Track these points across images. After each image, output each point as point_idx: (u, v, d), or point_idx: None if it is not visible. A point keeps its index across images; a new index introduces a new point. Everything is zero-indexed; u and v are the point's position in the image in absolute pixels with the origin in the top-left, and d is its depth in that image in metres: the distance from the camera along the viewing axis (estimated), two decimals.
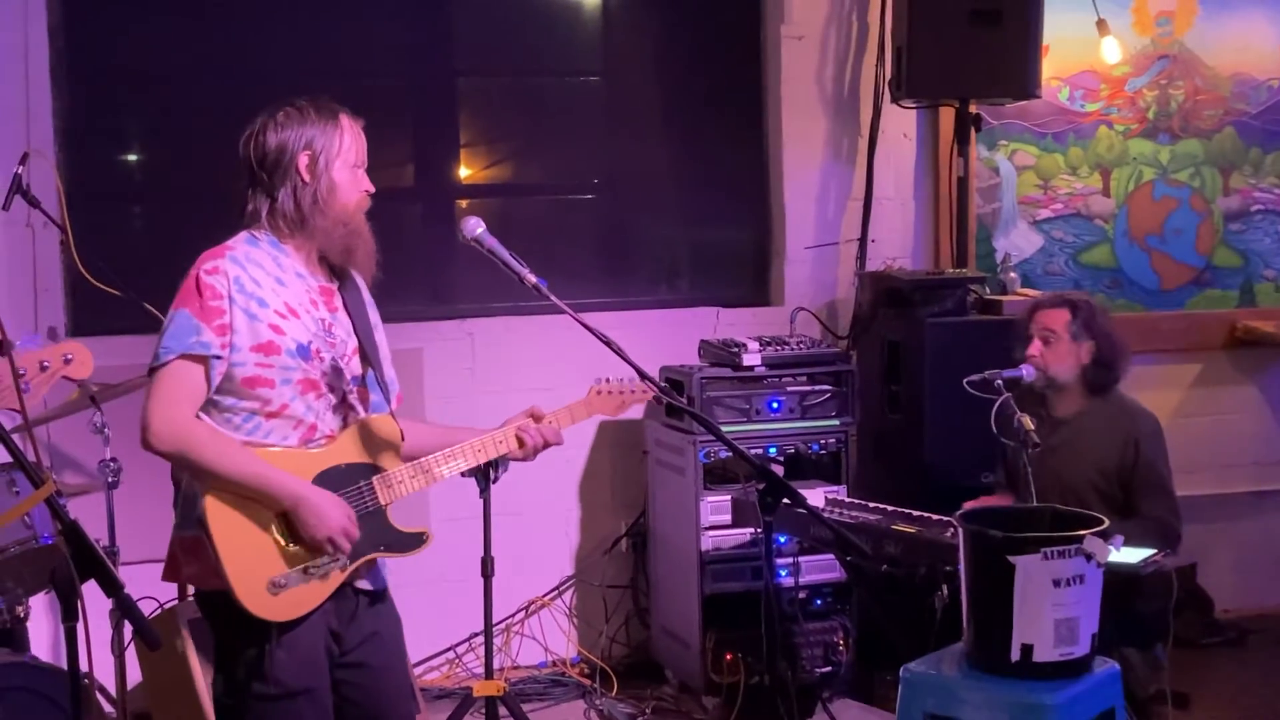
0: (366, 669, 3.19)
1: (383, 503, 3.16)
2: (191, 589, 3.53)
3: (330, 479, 3.09)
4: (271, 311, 3.03)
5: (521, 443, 3.32)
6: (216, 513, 2.97)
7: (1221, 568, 6.06)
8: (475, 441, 3.30)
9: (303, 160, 3.10)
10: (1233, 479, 6.19)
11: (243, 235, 3.15)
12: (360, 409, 3.19)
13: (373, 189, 3.21)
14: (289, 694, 3.01)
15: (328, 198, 3.11)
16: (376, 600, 3.24)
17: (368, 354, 3.23)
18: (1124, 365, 4.57)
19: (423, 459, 3.24)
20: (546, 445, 3.35)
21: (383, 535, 3.17)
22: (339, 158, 3.12)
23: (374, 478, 3.15)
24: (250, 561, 2.98)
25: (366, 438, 3.17)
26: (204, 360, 2.97)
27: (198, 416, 3.00)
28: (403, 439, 3.24)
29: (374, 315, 3.32)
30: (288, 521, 3.03)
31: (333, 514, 3.02)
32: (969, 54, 5.42)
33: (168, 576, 3.18)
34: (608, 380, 3.53)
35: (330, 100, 3.19)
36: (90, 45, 5.37)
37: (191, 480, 3.04)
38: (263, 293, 3.04)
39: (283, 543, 3.03)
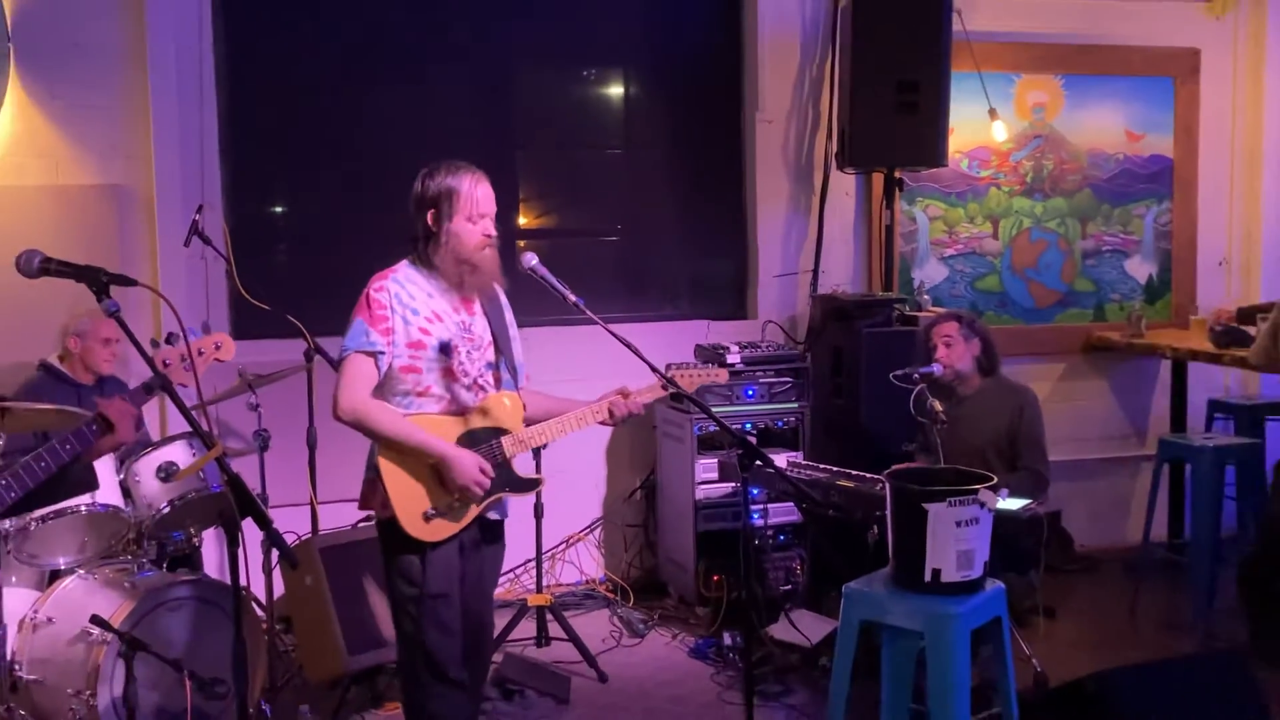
0: (477, 582, 3.27)
1: (508, 456, 3.21)
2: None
3: (470, 439, 3.16)
4: (421, 318, 3.11)
5: (611, 413, 3.30)
6: (387, 464, 3.08)
7: (1079, 514, 6.08)
8: (578, 412, 3.30)
9: (430, 215, 3.13)
10: (1087, 449, 6.21)
11: (406, 260, 3.20)
12: (493, 386, 3.24)
13: (492, 233, 3.18)
14: (433, 595, 3.10)
15: (448, 243, 3.13)
16: (496, 530, 3.31)
17: (500, 345, 3.27)
18: (999, 352, 4.65)
19: (539, 424, 3.26)
20: (630, 416, 3.33)
21: (508, 480, 3.24)
22: (459, 213, 3.12)
23: (502, 438, 3.20)
24: (410, 498, 3.08)
25: (497, 408, 3.23)
26: (373, 355, 3.06)
27: (371, 396, 3.09)
28: (525, 409, 3.28)
29: (509, 315, 3.35)
30: (437, 470, 3.10)
31: (469, 468, 3.09)
32: (894, 134, 5.43)
33: (361, 506, 3.23)
34: (676, 366, 3.57)
35: (464, 163, 3.18)
36: (246, 128, 5.39)
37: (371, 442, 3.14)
38: (415, 304, 3.12)
39: (434, 486, 3.11)
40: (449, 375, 3.16)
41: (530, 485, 3.34)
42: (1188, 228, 6.41)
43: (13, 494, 2.19)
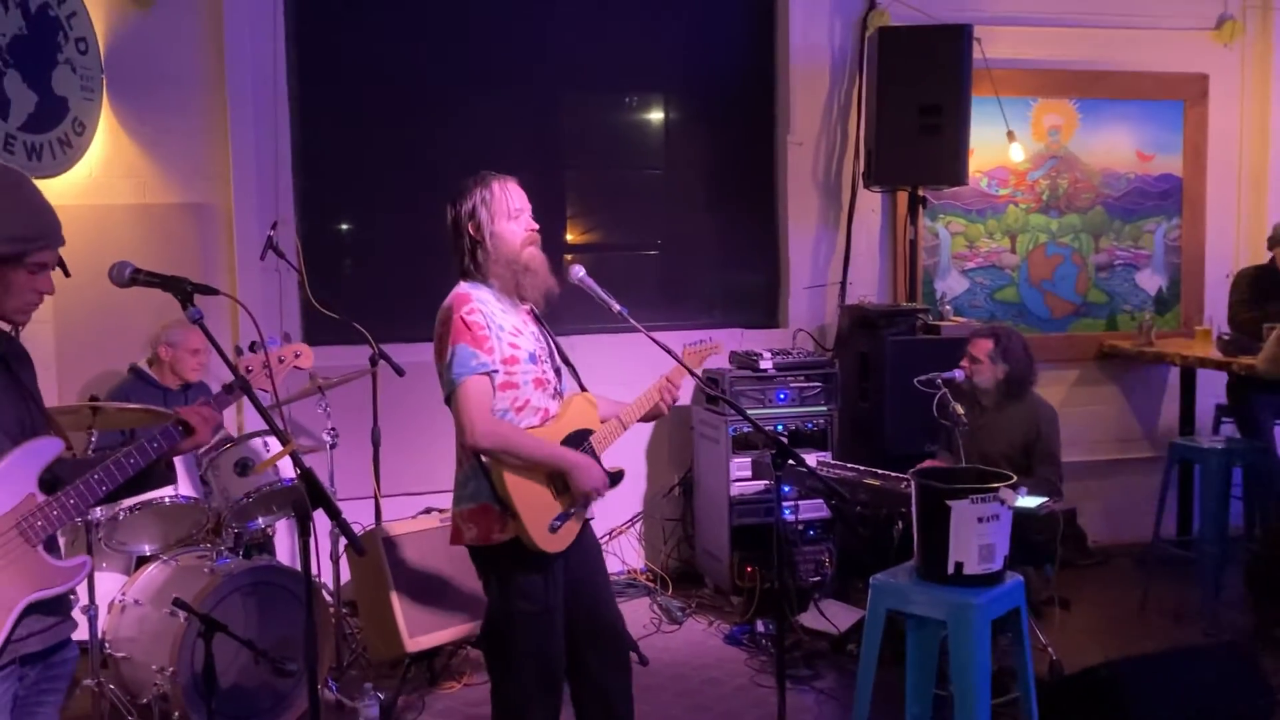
0: (585, 581, 3.08)
1: (599, 454, 3.09)
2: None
3: (568, 443, 3.01)
4: (508, 333, 2.94)
5: (662, 395, 3.22)
6: (515, 485, 2.88)
7: (1092, 512, 6.01)
8: (637, 401, 3.21)
9: (471, 227, 2.96)
10: (1101, 450, 6.14)
11: (463, 284, 2.99)
12: (563, 392, 3.12)
13: (535, 226, 3.02)
14: (547, 609, 2.93)
15: (496, 247, 2.96)
16: (588, 528, 3.15)
17: (559, 349, 3.17)
18: (1032, 378, 4.51)
19: (609, 422, 3.14)
20: (674, 402, 3.24)
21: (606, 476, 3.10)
22: (497, 214, 2.96)
23: (590, 438, 3.08)
24: (537, 512, 2.91)
25: (577, 410, 3.10)
26: (488, 375, 2.86)
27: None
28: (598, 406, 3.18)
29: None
30: (554, 480, 2.95)
31: (596, 472, 2.98)
32: (918, 154, 5.40)
33: (454, 541, 3.00)
34: (690, 345, 3.43)
35: (484, 171, 3.02)
36: (316, 149, 5.45)
37: (476, 466, 2.90)
38: (500, 320, 2.94)
39: (554, 496, 2.95)
40: (539, 385, 3.00)
41: (618, 478, 3.15)
42: (1196, 243, 6.33)
43: (104, 487, 2.23)
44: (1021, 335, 4.61)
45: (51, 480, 2.21)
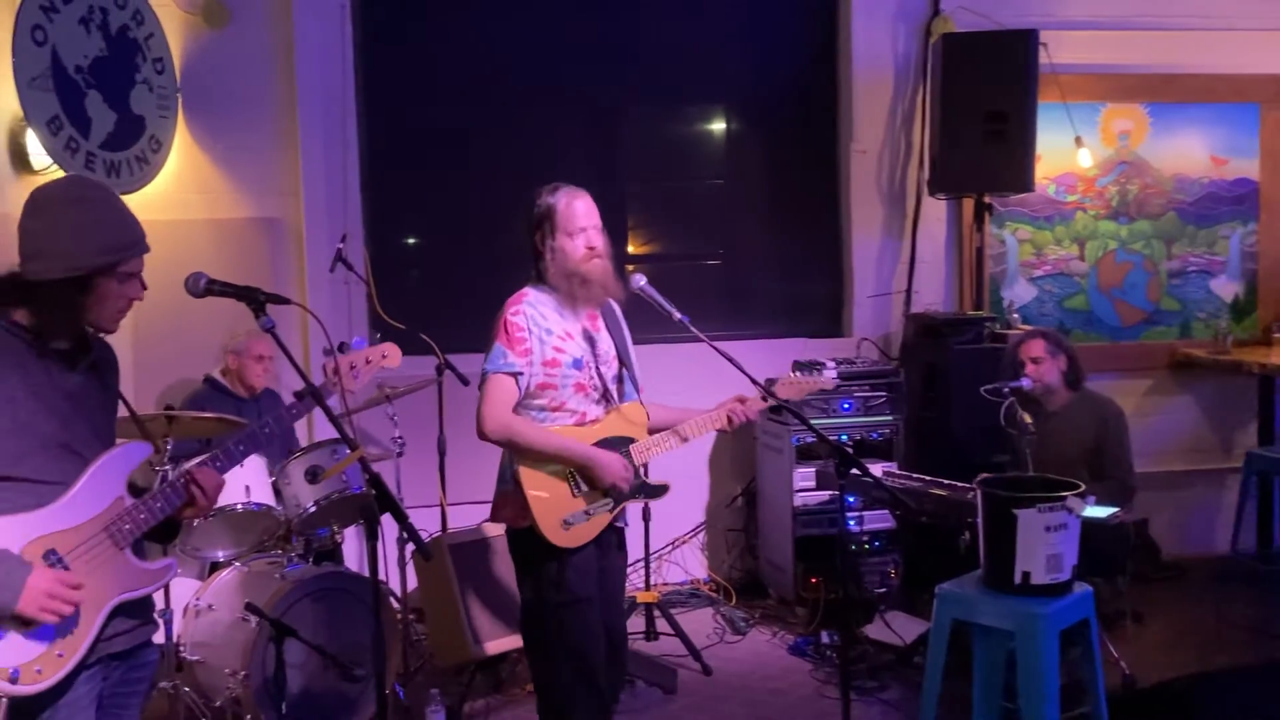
0: (608, 591, 3.19)
1: (637, 464, 3.14)
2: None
3: (602, 448, 3.08)
4: (555, 337, 3.06)
5: (730, 420, 3.25)
6: (527, 474, 3.02)
7: (1165, 524, 5.86)
8: (697, 419, 3.25)
9: (537, 236, 3.09)
10: (1174, 461, 5.99)
11: (529, 286, 3.14)
12: (617, 399, 3.17)
13: (595, 244, 3.10)
14: (576, 600, 3.03)
15: (555, 259, 3.08)
16: (621, 537, 3.24)
17: (623, 359, 3.22)
18: (1083, 366, 4.55)
19: (662, 433, 3.21)
20: (746, 421, 3.29)
21: (641, 485, 3.18)
22: (559, 230, 3.06)
23: (630, 446, 3.15)
24: (550, 507, 3.01)
25: (624, 418, 3.17)
26: (513, 375, 3.00)
27: (514, 414, 3.02)
28: (648, 418, 3.24)
29: (626, 330, 3.29)
30: (576, 479, 3.04)
31: (615, 466, 3.05)
32: (984, 161, 5.35)
33: (493, 518, 3.18)
34: (787, 375, 3.48)
35: (562, 183, 3.14)
36: (384, 165, 5.56)
37: (508, 456, 3.09)
38: (548, 324, 3.06)
39: (572, 494, 3.04)
40: (580, 390, 3.09)
41: (660, 491, 3.24)
42: (1274, 248, 6.16)
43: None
44: None
45: (131, 484, 2.27)
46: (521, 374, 3.02)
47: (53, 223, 2.16)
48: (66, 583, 2.08)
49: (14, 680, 2.03)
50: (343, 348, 2.68)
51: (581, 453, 3.04)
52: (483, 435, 3.02)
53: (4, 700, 2.06)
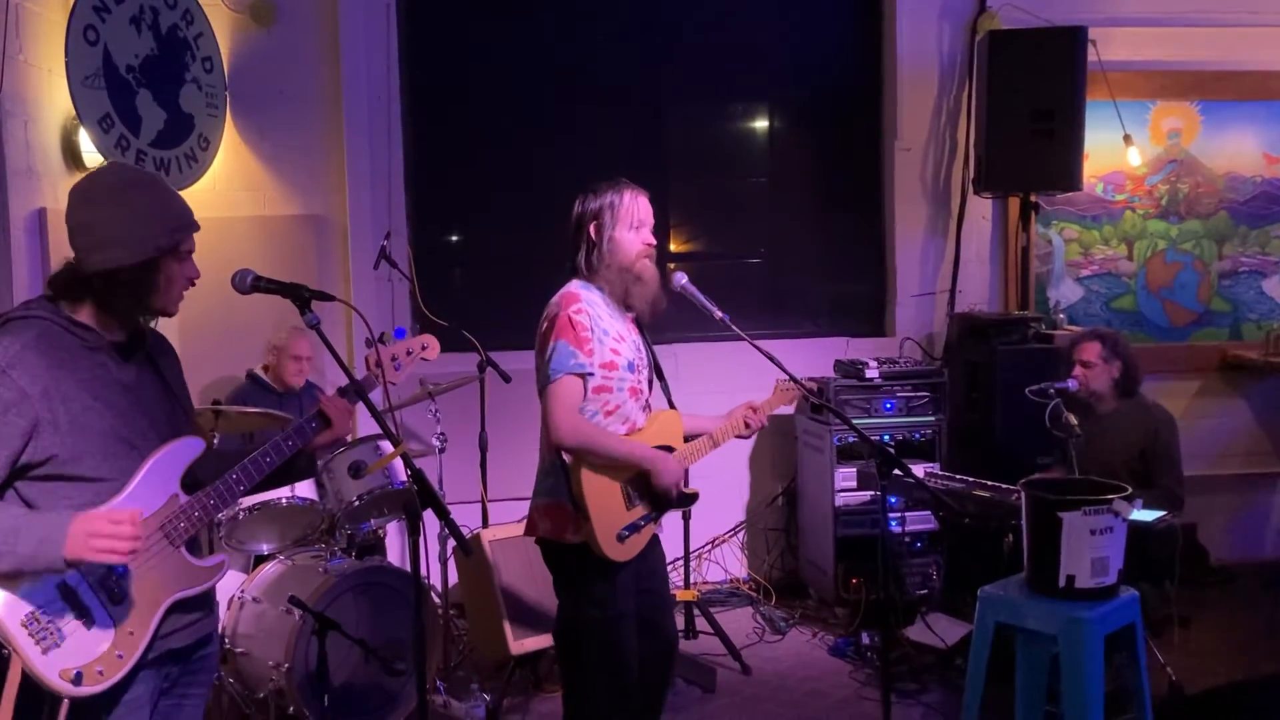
0: (652, 593, 3.11)
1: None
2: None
3: None
4: (611, 338, 2.95)
5: (747, 425, 3.20)
6: (589, 485, 2.89)
7: (1215, 528, 5.79)
8: (720, 428, 3.18)
9: (592, 227, 2.98)
10: (1224, 464, 5.91)
11: (576, 282, 3.00)
12: (652, 406, 3.12)
13: (652, 241, 3.02)
14: (621, 615, 2.94)
15: (611, 251, 2.97)
16: (657, 540, 3.17)
17: (656, 364, 3.18)
18: (1141, 374, 4.45)
19: (698, 440, 3.14)
20: (761, 427, 3.23)
21: (679, 495, 3.09)
22: (620, 222, 2.97)
23: (673, 454, 3.05)
24: (608, 519, 2.91)
25: (663, 425, 3.10)
26: (582, 376, 2.88)
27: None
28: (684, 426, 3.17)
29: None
30: (629, 489, 2.96)
31: (676, 469, 2.97)
32: (1030, 159, 5.30)
33: (528, 532, 3.05)
34: (783, 380, 3.37)
35: (622, 179, 3.05)
36: (427, 164, 5.59)
37: (557, 463, 2.92)
38: (605, 324, 2.95)
39: (627, 505, 2.96)
40: (634, 395, 3.00)
41: (692, 500, 3.16)
42: None
43: (242, 486, 2.29)
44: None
45: (189, 479, 2.27)
46: (591, 374, 2.89)
47: (111, 211, 2.15)
48: (112, 519, 2.01)
49: (77, 682, 2.06)
50: (384, 338, 2.68)
51: (650, 456, 2.95)
52: (558, 443, 2.87)
53: (65, 701, 2.08)
